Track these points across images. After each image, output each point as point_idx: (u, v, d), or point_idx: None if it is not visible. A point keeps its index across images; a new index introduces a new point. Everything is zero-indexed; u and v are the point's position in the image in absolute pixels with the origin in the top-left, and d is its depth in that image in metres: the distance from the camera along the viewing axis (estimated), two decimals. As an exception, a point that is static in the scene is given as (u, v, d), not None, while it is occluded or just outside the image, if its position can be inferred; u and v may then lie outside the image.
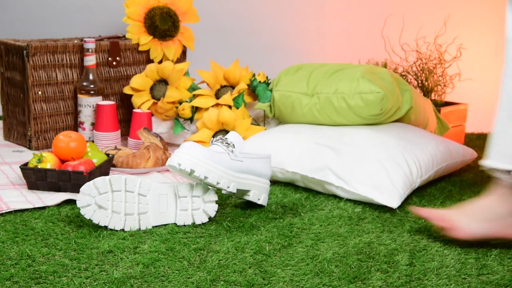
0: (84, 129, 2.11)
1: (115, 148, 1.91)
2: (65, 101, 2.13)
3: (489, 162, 1.35)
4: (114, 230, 1.43)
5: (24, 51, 2.03)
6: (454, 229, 1.37)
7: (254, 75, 2.09)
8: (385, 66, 2.37)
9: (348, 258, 1.33)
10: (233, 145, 1.55)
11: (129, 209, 1.44)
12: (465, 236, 1.37)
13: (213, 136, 1.98)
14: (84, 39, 2.11)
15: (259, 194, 1.58)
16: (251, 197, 1.57)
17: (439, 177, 1.88)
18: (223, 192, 1.55)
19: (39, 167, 1.66)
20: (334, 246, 1.39)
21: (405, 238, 1.45)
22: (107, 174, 1.78)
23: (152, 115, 2.21)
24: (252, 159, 1.56)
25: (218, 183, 1.49)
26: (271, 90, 2.02)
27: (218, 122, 1.98)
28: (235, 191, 1.52)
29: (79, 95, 2.10)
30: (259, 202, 1.59)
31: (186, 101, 2.10)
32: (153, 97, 2.15)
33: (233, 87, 2.11)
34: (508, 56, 1.30)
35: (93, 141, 2.10)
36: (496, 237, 1.38)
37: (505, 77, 1.31)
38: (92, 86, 2.10)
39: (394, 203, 1.61)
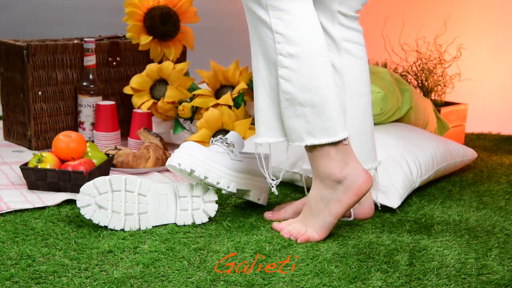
0: (84, 129, 2.11)
1: (115, 148, 1.91)
2: (65, 101, 2.13)
3: (260, 139, 1.47)
4: (114, 230, 1.43)
5: (24, 51, 2.03)
6: (309, 238, 1.43)
7: (254, 75, 2.09)
8: (385, 66, 2.37)
9: (348, 258, 1.33)
10: (233, 145, 1.55)
11: (129, 209, 1.44)
12: (321, 239, 1.42)
13: (213, 136, 1.98)
14: (84, 39, 2.11)
15: (259, 194, 1.58)
16: (251, 197, 1.57)
17: (439, 177, 1.88)
18: (223, 192, 1.55)
19: (39, 167, 1.66)
20: (334, 246, 1.39)
21: (405, 238, 1.45)
22: (107, 174, 1.77)
23: (152, 115, 2.21)
24: (252, 159, 1.56)
25: (218, 183, 1.49)
26: (271, 90, 2.01)
27: (218, 122, 1.97)
28: (235, 191, 1.52)
29: (79, 95, 2.10)
30: (259, 202, 1.59)
31: (186, 101, 2.10)
32: (153, 97, 2.15)
33: (233, 87, 2.11)
34: (251, 38, 1.45)
35: (93, 141, 2.10)
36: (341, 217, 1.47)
37: (253, 59, 1.46)
38: (92, 86, 2.10)
39: (394, 203, 1.61)
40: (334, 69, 1.51)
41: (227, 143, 1.54)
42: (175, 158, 1.48)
